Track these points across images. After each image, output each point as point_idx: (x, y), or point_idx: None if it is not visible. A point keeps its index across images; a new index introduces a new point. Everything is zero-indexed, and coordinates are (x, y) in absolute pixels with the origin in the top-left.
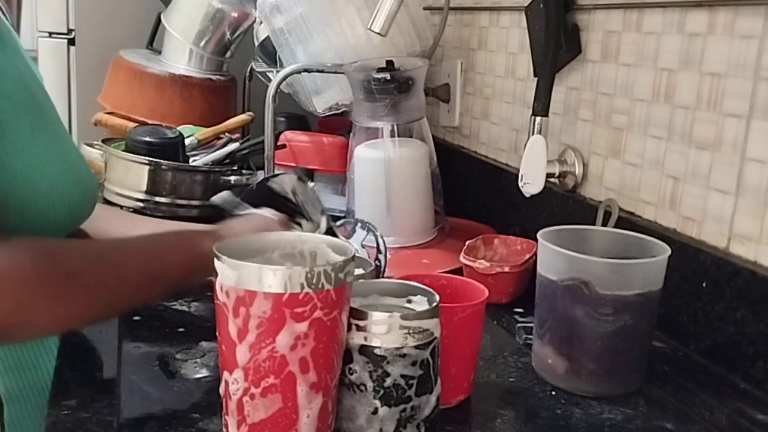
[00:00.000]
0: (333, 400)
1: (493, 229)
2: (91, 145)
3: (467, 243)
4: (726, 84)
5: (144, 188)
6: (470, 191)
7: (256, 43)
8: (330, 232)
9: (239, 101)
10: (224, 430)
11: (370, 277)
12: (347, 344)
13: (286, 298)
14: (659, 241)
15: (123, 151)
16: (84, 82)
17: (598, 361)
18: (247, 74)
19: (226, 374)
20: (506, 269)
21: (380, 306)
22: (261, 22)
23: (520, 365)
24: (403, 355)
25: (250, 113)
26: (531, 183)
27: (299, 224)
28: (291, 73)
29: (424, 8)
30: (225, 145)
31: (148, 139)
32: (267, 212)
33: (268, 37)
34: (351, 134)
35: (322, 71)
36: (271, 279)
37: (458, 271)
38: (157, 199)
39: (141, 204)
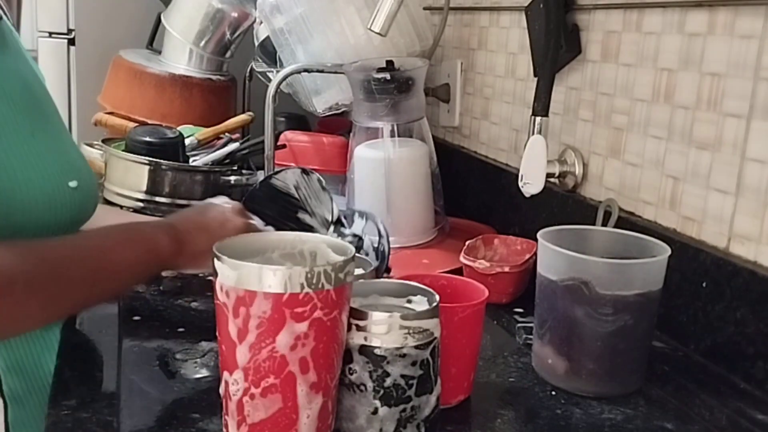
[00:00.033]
0: (333, 400)
1: (493, 229)
2: (91, 145)
3: (467, 243)
4: (726, 84)
5: (144, 188)
6: (470, 191)
7: (256, 43)
8: (338, 222)
9: (239, 101)
10: (224, 430)
11: (371, 277)
12: (347, 344)
13: (286, 298)
14: (659, 241)
15: (123, 151)
16: (84, 82)
17: (598, 361)
18: (247, 74)
19: (226, 374)
20: (506, 269)
21: (380, 306)
22: (261, 22)
23: (520, 365)
24: (403, 355)
25: (250, 113)
26: (531, 183)
27: (301, 219)
28: (291, 73)
29: (424, 8)
30: (225, 145)
31: (148, 139)
32: (221, 200)
33: (268, 37)
34: (351, 134)
35: (322, 71)
36: (271, 279)
37: (458, 271)
38: (157, 199)
39: (141, 204)
